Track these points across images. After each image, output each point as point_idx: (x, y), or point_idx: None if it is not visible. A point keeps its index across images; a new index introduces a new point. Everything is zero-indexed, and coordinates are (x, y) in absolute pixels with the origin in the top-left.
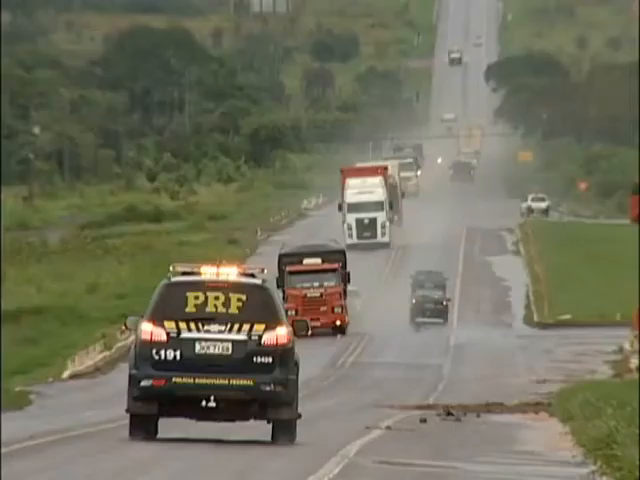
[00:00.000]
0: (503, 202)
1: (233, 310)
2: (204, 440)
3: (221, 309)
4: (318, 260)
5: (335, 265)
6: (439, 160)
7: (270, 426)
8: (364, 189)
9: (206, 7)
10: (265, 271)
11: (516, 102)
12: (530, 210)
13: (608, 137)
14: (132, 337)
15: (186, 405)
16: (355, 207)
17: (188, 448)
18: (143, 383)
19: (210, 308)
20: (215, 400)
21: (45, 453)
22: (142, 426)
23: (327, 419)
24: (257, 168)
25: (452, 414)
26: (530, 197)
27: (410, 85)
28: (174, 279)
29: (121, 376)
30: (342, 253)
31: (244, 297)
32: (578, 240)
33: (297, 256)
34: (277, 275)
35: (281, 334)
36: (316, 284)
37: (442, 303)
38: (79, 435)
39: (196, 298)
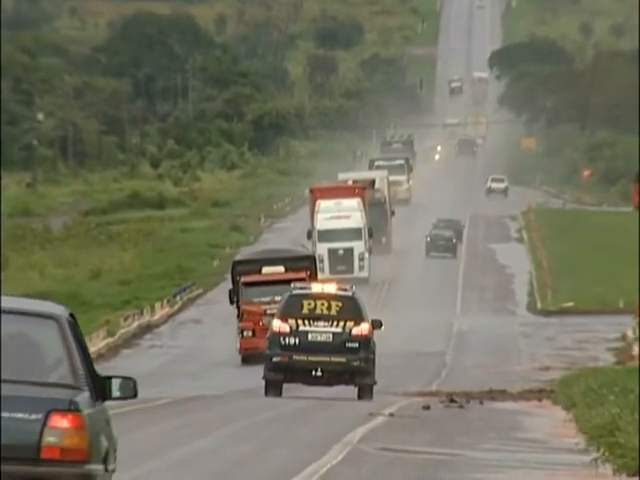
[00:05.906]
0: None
1: (333, 312)
2: (305, 397)
3: (325, 311)
4: (280, 268)
5: (302, 274)
6: (436, 157)
7: (356, 389)
8: (339, 213)
9: None
10: (354, 287)
11: (520, 89)
12: (490, 190)
13: (612, 124)
14: (135, 325)
15: (301, 374)
16: (327, 235)
17: (194, 435)
18: (274, 359)
19: (318, 311)
20: (321, 371)
21: None
22: (273, 388)
23: (330, 406)
24: (261, 155)
25: (455, 401)
26: (490, 178)
27: (414, 72)
28: (294, 292)
29: (124, 363)
30: (310, 260)
31: (340, 304)
32: (581, 227)
33: (254, 263)
34: (231, 287)
35: (364, 328)
36: (278, 298)
37: (452, 240)
38: None
39: (309, 304)
